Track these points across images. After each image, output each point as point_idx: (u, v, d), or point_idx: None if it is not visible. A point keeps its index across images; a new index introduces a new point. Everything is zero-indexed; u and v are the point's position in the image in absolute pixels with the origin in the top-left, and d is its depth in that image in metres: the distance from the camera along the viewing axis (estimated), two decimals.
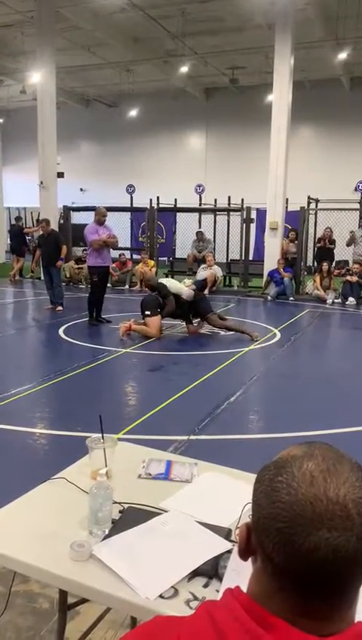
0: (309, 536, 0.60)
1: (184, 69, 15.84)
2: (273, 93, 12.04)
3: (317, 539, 0.60)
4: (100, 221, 8.23)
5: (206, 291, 9.96)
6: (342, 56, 14.18)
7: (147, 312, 7.50)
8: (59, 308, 9.57)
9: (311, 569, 0.61)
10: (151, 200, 15.05)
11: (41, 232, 9.90)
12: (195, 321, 7.97)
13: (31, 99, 16.35)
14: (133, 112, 20.00)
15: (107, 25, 13.79)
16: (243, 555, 0.71)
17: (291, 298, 11.62)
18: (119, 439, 1.86)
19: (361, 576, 0.63)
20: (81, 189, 21.96)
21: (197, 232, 14.05)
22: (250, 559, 0.71)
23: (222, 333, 8.09)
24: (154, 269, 13.20)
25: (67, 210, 14.57)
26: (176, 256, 15.08)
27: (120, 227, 14.17)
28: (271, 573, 0.65)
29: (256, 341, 7.32)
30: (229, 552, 1.33)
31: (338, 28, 12.64)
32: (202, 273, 11.57)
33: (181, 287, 7.97)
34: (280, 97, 11.85)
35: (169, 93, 19.85)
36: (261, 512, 0.65)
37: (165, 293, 7.61)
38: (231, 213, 14.90)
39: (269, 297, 11.67)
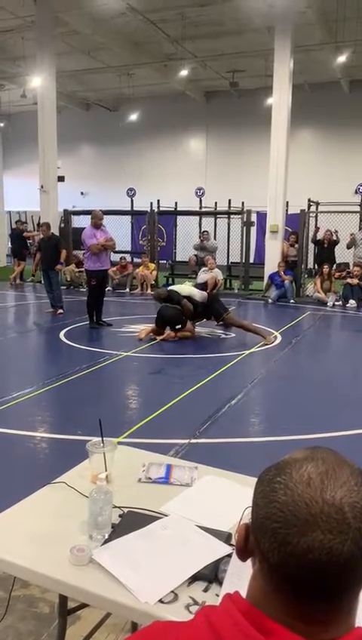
0: (303, 537, 0.60)
1: (184, 73, 15.87)
2: (273, 97, 12.07)
3: (311, 540, 0.60)
4: (97, 224, 8.24)
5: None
6: (342, 59, 14.21)
7: (178, 327, 7.61)
8: (60, 311, 9.57)
9: (305, 570, 0.61)
10: (151, 203, 15.07)
11: (42, 236, 9.94)
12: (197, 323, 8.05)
13: (31, 103, 16.39)
14: (134, 116, 20.04)
15: (107, 29, 13.84)
16: (241, 555, 0.71)
17: (292, 301, 11.62)
18: (119, 443, 1.86)
19: (358, 581, 0.63)
20: (82, 193, 21.99)
21: (204, 232, 14.00)
22: (249, 561, 0.71)
23: (223, 336, 8.09)
24: (154, 273, 13.22)
25: (68, 214, 14.59)
26: (177, 260, 15.09)
27: (120, 230, 14.21)
28: (267, 574, 0.65)
29: (271, 344, 7.32)
30: (229, 556, 1.33)
31: (337, 31, 12.66)
32: (203, 276, 11.57)
33: (191, 289, 8.12)
34: (279, 100, 11.88)
35: (169, 96, 19.88)
36: (258, 511, 0.66)
37: (178, 298, 7.67)
38: (232, 216, 14.91)
39: (270, 300, 11.67)
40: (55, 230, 14.13)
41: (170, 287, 8.18)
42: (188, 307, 7.64)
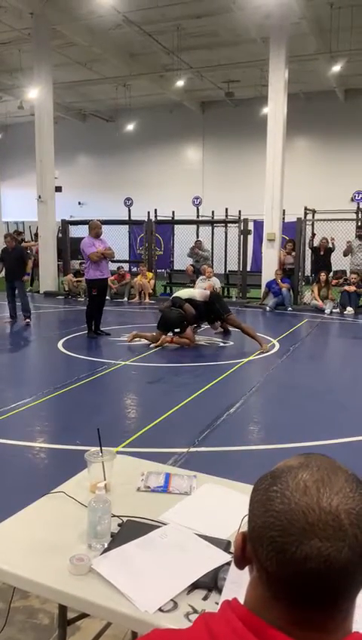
0: (301, 545, 0.61)
1: (180, 83, 15.99)
2: (268, 106, 12.16)
3: (309, 548, 0.60)
4: (97, 234, 8.27)
5: None
6: (336, 68, 14.33)
7: (177, 330, 7.66)
8: (28, 321, 9.43)
9: (304, 578, 0.61)
10: (148, 213, 15.13)
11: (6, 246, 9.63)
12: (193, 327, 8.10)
13: (29, 114, 16.50)
14: (130, 126, 20.17)
15: (103, 41, 13.96)
16: (239, 563, 0.71)
17: (289, 308, 11.65)
18: (118, 452, 1.86)
19: (355, 587, 0.63)
20: (79, 203, 22.07)
21: (196, 241, 14.09)
22: (247, 568, 0.71)
23: (221, 344, 8.10)
24: (152, 282, 13.24)
25: (65, 224, 14.63)
26: (174, 268, 15.13)
27: (118, 240, 14.26)
28: (265, 581, 0.65)
29: (267, 352, 7.34)
30: (228, 564, 1.33)
31: (331, 41, 12.79)
32: (201, 284, 11.62)
33: (191, 291, 8.28)
34: (275, 110, 11.96)
35: (165, 106, 20.02)
36: (256, 520, 0.66)
37: (180, 303, 7.75)
38: (229, 224, 14.96)
39: (268, 308, 11.70)
40: (53, 239, 14.22)
41: (173, 295, 8.26)
42: (190, 310, 7.71)
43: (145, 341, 7.76)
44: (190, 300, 7.82)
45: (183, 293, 8.17)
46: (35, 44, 13.13)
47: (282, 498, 0.64)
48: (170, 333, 7.72)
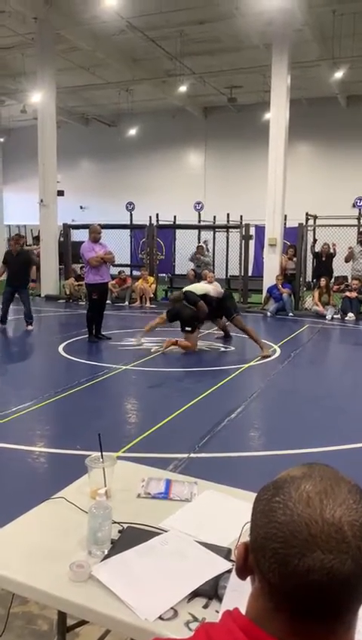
0: (304, 557, 0.60)
1: (183, 89, 16.04)
2: (270, 112, 12.19)
3: (312, 560, 0.60)
4: (96, 238, 8.25)
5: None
6: (338, 75, 14.36)
7: (188, 329, 7.62)
8: (30, 327, 9.33)
9: (306, 590, 0.60)
10: (150, 217, 15.15)
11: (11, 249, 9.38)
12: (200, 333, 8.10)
13: (31, 118, 16.55)
14: (133, 131, 20.22)
15: (107, 46, 14.01)
16: (241, 574, 0.71)
17: (290, 314, 11.64)
18: (118, 458, 1.85)
19: (357, 599, 0.63)
20: (81, 207, 22.11)
21: (198, 246, 14.12)
22: (249, 578, 0.71)
23: (223, 349, 8.09)
24: (153, 286, 13.25)
25: (67, 228, 14.66)
26: (176, 273, 15.14)
27: (120, 244, 14.28)
28: (267, 592, 0.65)
29: (268, 357, 7.32)
30: (229, 572, 1.32)
31: (334, 47, 12.83)
32: None
33: (205, 287, 8.16)
34: (277, 115, 12.00)
35: (168, 112, 20.07)
36: (258, 531, 0.65)
37: (194, 300, 7.63)
38: (230, 229, 14.98)
39: (269, 313, 11.69)
40: (55, 243, 14.23)
41: (186, 289, 8.13)
42: (203, 309, 7.61)
43: (147, 343, 7.69)
44: (204, 297, 7.69)
45: (197, 288, 7.98)
46: (38, 48, 13.20)
47: (285, 509, 0.63)
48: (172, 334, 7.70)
